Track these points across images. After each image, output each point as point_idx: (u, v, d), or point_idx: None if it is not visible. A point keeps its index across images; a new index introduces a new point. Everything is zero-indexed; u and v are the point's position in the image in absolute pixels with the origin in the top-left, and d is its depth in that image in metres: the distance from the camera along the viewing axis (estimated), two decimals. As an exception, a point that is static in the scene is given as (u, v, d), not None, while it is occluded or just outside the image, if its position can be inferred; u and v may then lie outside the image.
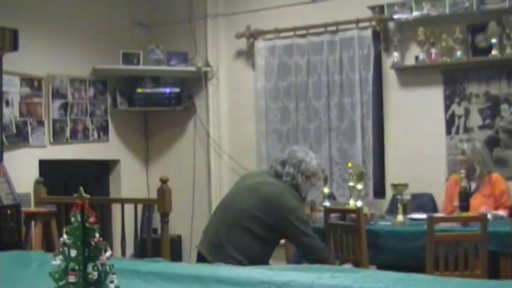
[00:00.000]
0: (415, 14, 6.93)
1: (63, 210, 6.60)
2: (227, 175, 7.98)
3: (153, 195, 6.89)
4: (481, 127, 6.80)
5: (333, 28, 7.40)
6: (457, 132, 6.90)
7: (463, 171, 5.76)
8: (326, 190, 6.15)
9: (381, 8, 7.13)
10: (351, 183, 5.75)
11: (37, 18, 7.14)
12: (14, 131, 6.87)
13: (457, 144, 6.21)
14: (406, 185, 5.71)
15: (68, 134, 7.50)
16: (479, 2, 6.62)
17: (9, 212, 6.03)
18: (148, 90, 8.12)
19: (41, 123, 7.20)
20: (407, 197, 5.79)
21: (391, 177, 6.89)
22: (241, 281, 2.90)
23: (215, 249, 4.72)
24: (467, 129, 6.85)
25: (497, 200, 5.87)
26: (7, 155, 6.49)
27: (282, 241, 5.73)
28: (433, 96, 6.99)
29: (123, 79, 8.16)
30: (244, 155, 7.90)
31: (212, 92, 8.17)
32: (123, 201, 7.02)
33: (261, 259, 4.51)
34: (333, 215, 5.56)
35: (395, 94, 7.23)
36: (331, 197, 6.49)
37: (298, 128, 7.61)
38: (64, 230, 2.21)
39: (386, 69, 7.24)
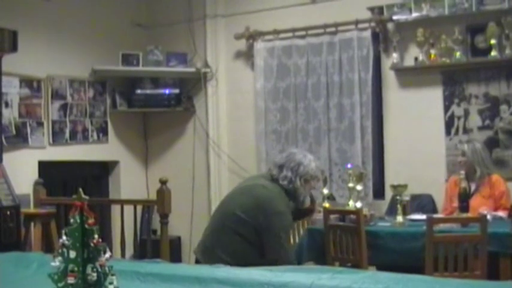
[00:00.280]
0: (415, 15, 6.93)
1: (63, 211, 6.59)
2: (227, 176, 7.98)
3: (153, 196, 6.90)
4: (481, 128, 6.79)
5: (332, 29, 7.40)
6: (457, 133, 6.90)
7: (462, 172, 5.75)
8: (325, 191, 6.15)
9: (380, 9, 7.13)
10: (351, 184, 5.76)
11: (36, 20, 7.14)
12: (14, 132, 6.87)
13: (457, 146, 6.22)
14: (405, 186, 5.72)
15: (67, 135, 7.50)
16: (479, 3, 6.62)
17: (8, 213, 6.03)
18: (148, 91, 8.13)
19: (40, 124, 7.20)
20: (406, 197, 5.80)
21: (391, 178, 6.90)
22: (240, 282, 2.90)
23: (207, 251, 4.71)
24: (466, 130, 6.85)
25: (497, 201, 5.87)
26: (6, 156, 6.49)
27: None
28: (433, 97, 6.99)
29: (122, 80, 8.16)
30: (243, 156, 7.90)
31: (211, 92, 8.17)
32: (122, 202, 7.01)
33: (250, 262, 4.45)
34: (332, 216, 5.57)
35: (394, 95, 7.23)
36: (330, 198, 6.49)
37: (297, 129, 7.61)
38: (63, 231, 2.21)
39: (385, 70, 7.24)
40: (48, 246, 6.28)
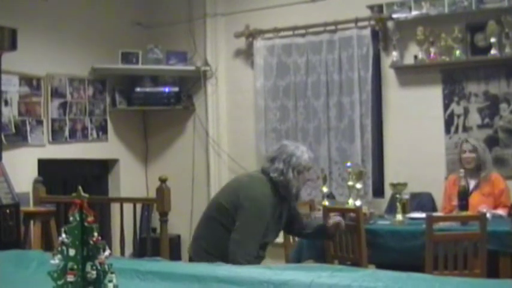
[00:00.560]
0: (414, 13, 6.93)
1: (62, 210, 6.59)
2: (226, 174, 7.97)
3: (152, 194, 6.90)
4: (480, 126, 6.79)
5: (332, 27, 7.40)
6: (456, 131, 6.90)
7: (462, 170, 5.76)
8: (325, 189, 6.15)
9: (380, 7, 7.13)
10: (350, 183, 5.76)
11: (36, 18, 7.13)
12: (13, 130, 6.87)
13: (462, 144, 6.16)
14: (405, 184, 5.72)
15: (66, 133, 7.49)
16: (478, 1, 6.62)
17: (8, 211, 6.02)
18: (147, 90, 8.12)
19: (39, 122, 7.20)
20: (406, 196, 5.81)
21: (390, 176, 6.89)
22: (240, 280, 2.90)
23: (194, 244, 4.68)
24: (466, 129, 6.84)
25: (496, 199, 5.88)
26: (6, 155, 6.49)
27: (281, 240, 5.76)
28: (432, 96, 6.99)
29: (122, 78, 8.16)
30: (243, 154, 7.90)
31: (211, 91, 8.17)
32: (122, 201, 7.01)
33: (225, 251, 4.41)
34: (332, 214, 5.55)
35: (394, 93, 7.23)
36: (330, 196, 6.50)
37: (297, 127, 7.61)
38: (63, 229, 2.20)
39: (385, 69, 7.24)
40: (47, 245, 6.28)
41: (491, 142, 6.64)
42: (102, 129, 7.97)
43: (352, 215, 5.36)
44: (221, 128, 8.15)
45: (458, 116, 6.90)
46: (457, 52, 6.78)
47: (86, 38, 7.65)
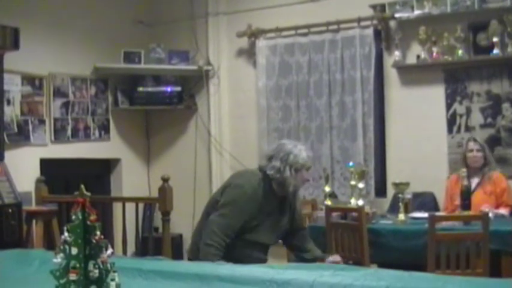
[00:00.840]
0: (417, 12, 6.92)
1: (65, 209, 6.59)
2: (228, 174, 7.90)
3: (154, 193, 6.91)
4: (483, 126, 6.79)
5: (335, 27, 7.40)
6: (459, 131, 6.89)
7: (463, 169, 5.76)
8: (327, 189, 6.14)
9: (383, 7, 7.13)
10: (353, 182, 5.75)
11: (38, 17, 7.14)
12: (15, 129, 6.87)
13: (469, 143, 6.14)
14: (407, 184, 5.70)
15: (69, 132, 7.50)
16: (481, 1, 6.62)
17: (10, 210, 6.04)
18: (150, 89, 8.13)
19: (42, 122, 7.20)
20: (408, 195, 5.80)
21: (393, 175, 6.89)
22: (242, 279, 2.90)
23: (192, 246, 4.68)
24: (468, 128, 6.84)
25: (498, 198, 5.88)
26: (8, 154, 6.49)
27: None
28: (435, 95, 6.99)
29: (124, 78, 8.16)
30: (245, 154, 7.89)
31: (213, 90, 8.17)
32: (124, 200, 7.01)
33: (232, 254, 4.40)
34: (334, 214, 5.56)
35: (396, 93, 7.22)
36: (332, 195, 6.48)
37: (299, 127, 7.60)
38: (65, 227, 2.20)
39: (387, 68, 7.23)
40: (50, 244, 6.28)
41: (494, 141, 6.63)
42: (104, 128, 7.98)
43: (355, 214, 5.36)
44: (223, 128, 8.15)
45: (461, 116, 6.89)
46: (460, 51, 6.77)
47: (88, 37, 7.66)
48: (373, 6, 7.18)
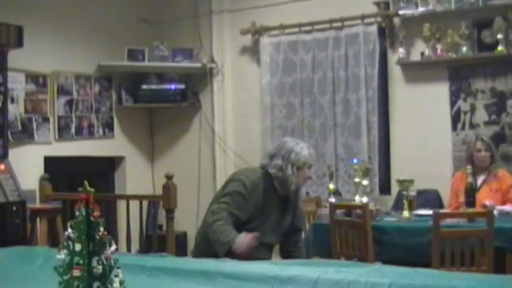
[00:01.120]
0: (421, 9, 6.91)
1: (69, 207, 6.59)
2: (232, 171, 7.90)
3: (158, 191, 6.91)
4: (487, 123, 6.77)
5: (338, 24, 7.39)
6: (463, 128, 6.88)
7: (468, 166, 5.75)
8: (331, 186, 6.14)
9: (387, 4, 7.12)
10: (357, 179, 5.74)
11: (42, 15, 7.14)
12: (19, 127, 6.88)
13: (476, 142, 6.12)
14: (411, 181, 5.71)
15: (73, 130, 7.50)
16: (485, -2, 6.61)
17: (14, 208, 6.04)
18: (154, 87, 8.13)
19: (46, 119, 7.20)
20: (413, 193, 5.79)
21: (397, 173, 6.88)
22: (246, 276, 2.89)
23: (195, 246, 4.67)
24: (473, 125, 6.83)
25: (504, 195, 5.87)
26: (12, 152, 6.49)
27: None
28: (439, 92, 6.98)
29: (128, 75, 8.16)
30: (249, 151, 7.88)
31: (217, 88, 8.16)
32: (128, 198, 7.03)
33: (234, 255, 4.29)
34: (338, 211, 5.56)
35: (400, 90, 7.21)
36: (336, 193, 6.48)
37: (303, 124, 7.60)
38: (69, 223, 2.20)
39: (391, 65, 7.23)
40: (54, 242, 6.28)
41: (498, 139, 6.61)
42: (108, 126, 7.98)
43: (359, 211, 5.35)
44: (227, 125, 8.15)
45: (465, 113, 6.88)
46: (464, 48, 6.76)
47: (92, 35, 7.65)
48: (377, 4, 7.17)
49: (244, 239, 4.27)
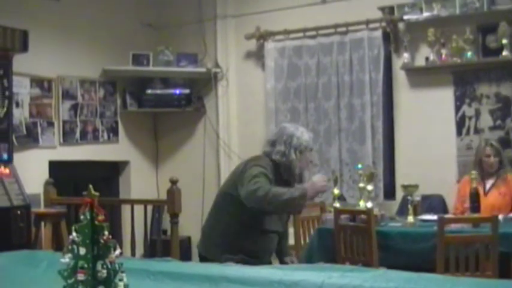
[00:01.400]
0: (425, 14, 6.91)
1: (73, 211, 6.58)
2: (237, 176, 7.95)
3: (163, 196, 6.91)
4: (492, 128, 6.76)
5: (343, 29, 7.39)
6: (468, 133, 6.87)
7: (473, 172, 5.75)
8: (336, 191, 6.12)
9: (391, 9, 7.12)
10: (361, 184, 5.73)
11: (47, 20, 7.15)
12: (24, 132, 6.89)
13: (486, 148, 6.10)
14: (416, 186, 5.70)
15: (77, 135, 7.52)
16: (490, 3, 6.60)
17: (19, 212, 6.04)
18: (158, 92, 8.14)
19: (51, 124, 7.22)
20: (417, 198, 5.78)
21: (401, 178, 6.88)
22: (250, 281, 2.89)
23: (203, 239, 4.66)
24: (477, 130, 6.82)
25: None
26: (17, 156, 6.50)
27: (292, 242, 5.74)
28: (444, 97, 6.97)
29: (132, 80, 8.17)
30: (253, 156, 7.87)
31: (222, 93, 8.17)
32: (132, 202, 7.02)
33: (240, 242, 4.42)
34: (343, 216, 5.54)
35: (405, 95, 7.21)
36: (341, 198, 6.47)
37: (307, 129, 7.54)
38: (73, 227, 2.20)
39: (396, 70, 7.22)
40: (58, 246, 6.27)
41: (503, 144, 6.58)
42: (113, 131, 7.99)
43: (363, 216, 5.34)
44: (232, 130, 8.15)
45: (470, 118, 6.87)
46: (469, 53, 6.75)
47: (96, 40, 7.67)
48: (382, 9, 7.17)
49: (313, 185, 4.40)
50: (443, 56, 6.88)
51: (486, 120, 6.79)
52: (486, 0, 6.60)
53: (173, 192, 6.41)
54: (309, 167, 4.93)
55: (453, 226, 5.13)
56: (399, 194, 6.81)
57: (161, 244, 6.74)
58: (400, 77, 7.22)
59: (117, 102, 8.05)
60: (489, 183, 5.98)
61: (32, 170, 6.79)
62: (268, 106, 7.80)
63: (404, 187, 5.78)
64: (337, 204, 5.90)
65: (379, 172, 7.11)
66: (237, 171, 4.54)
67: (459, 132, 6.92)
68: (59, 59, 7.29)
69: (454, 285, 2.63)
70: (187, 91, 8.17)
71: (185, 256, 7.40)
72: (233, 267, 3.26)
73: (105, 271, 2.16)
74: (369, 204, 5.59)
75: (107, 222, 2.19)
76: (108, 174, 8.25)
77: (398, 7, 7.07)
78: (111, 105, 7.98)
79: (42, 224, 6.45)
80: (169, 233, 6.79)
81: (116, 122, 8.03)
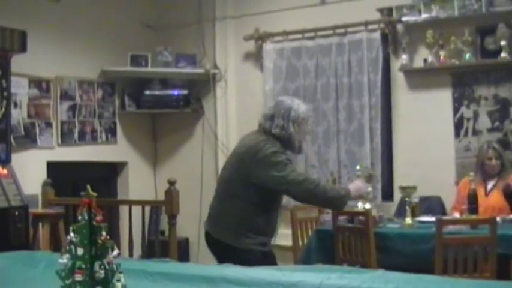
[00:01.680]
0: (424, 16, 6.90)
1: (71, 212, 6.59)
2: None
3: (161, 197, 6.91)
4: (490, 130, 6.76)
5: (342, 30, 7.39)
6: (466, 134, 6.87)
7: (471, 173, 5.78)
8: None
9: (390, 11, 7.11)
10: (359, 186, 5.73)
11: (46, 20, 7.15)
12: (22, 132, 6.89)
13: (488, 151, 6.11)
14: (414, 188, 5.71)
15: (76, 135, 7.51)
16: (488, 4, 6.59)
17: (17, 213, 6.03)
18: (157, 92, 8.13)
19: (49, 124, 7.21)
20: (415, 199, 5.79)
21: (400, 179, 6.86)
22: (249, 282, 2.88)
23: (214, 221, 4.70)
24: (476, 132, 6.82)
25: None
26: (15, 157, 6.49)
27: (290, 243, 5.74)
28: (442, 99, 6.97)
29: (131, 81, 8.17)
30: (252, 158, 7.87)
31: (220, 94, 8.16)
32: (130, 203, 7.01)
33: (256, 224, 4.52)
34: (341, 218, 5.56)
35: (403, 96, 7.21)
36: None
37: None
38: (71, 228, 2.20)
39: (394, 72, 7.22)
40: (56, 247, 6.27)
41: (502, 145, 6.58)
42: (111, 131, 7.98)
43: (361, 218, 5.35)
44: (230, 131, 8.14)
45: (468, 120, 6.87)
46: (467, 55, 6.75)
47: (95, 41, 7.66)
48: (380, 10, 7.16)
49: (357, 187, 4.73)
50: (441, 58, 6.88)
51: (484, 122, 6.79)
52: (485, 2, 6.59)
53: (171, 193, 6.41)
54: (306, 138, 5.07)
55: (451, 227, 5.14)
56: (397, 195, 6.81)
57: (159, 245, 6.74)
58: (398, 79, 7.22)
59: (116, 103, 8.05)
60: (490, 184, 6.00)
61: (30, 171, 6.79)
62: (266, 107, 7.78)
63: (403, 188, 5.79)
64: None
65: (377, 173, 7.11)
66: (247, 155, 4.56)
67: (457, 134, 6.91)
68: (57, 59, 7.28)
69: (452, 287, 2.63)
70: (185, 92, 8.17)
71: (183, 257, 7.41)
72: (231, 268, 3.26)
73: (103, 272, 2.17)
74: (367, 206, 5.60)
75: (104, 223, 2.20)
76: (106, 175, 8.25)
77: (397, 9, 7.06)
78: (110, 106, 7.98)
79: (40, 224, 6.44)
80: (167, 233, 6.80)
81: (114, 123, 8.03)
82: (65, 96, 7.40)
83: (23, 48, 6.32)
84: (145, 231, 6.86)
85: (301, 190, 4.44)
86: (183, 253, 7.67)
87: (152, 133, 8.60)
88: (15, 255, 3.79)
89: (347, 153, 7.37)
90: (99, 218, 2.17)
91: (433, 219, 5.25)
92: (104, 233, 2.17)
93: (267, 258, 4.43)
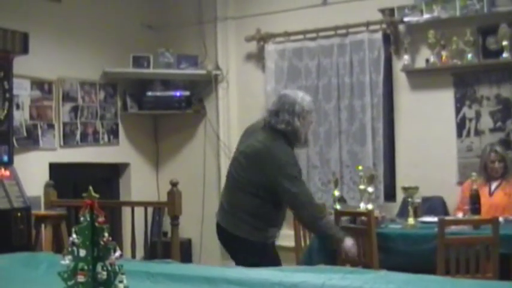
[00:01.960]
0: (426, 16, 6.90)
1: (73, 213, 6.58)
2: (237, 178, 7.94)
3: (163, 198, 6.91)
4: (492, 130, 6.75)
5: (343, 31, 7.38)
6: (468, 135, 6.86)
7: (474, 173, 5.77)
8: (336, 193, 6.13)
9: (391, 11, 7.10)
10: (362, 186, 5.74)
11: (47, 22, 7.16)
12: (25, 134, 6.89)
13: (491, 153, 6.12)
14: (416, 188, 5.70)
15: (78, 137, 7.52)
16: (490, 5, 6.59)
17: (19, 214, 6.04)
18: (158, 94, 8.13)
19: (51, 126, 7.22)
20: (418, 200, 5.78)
21: (402, 180, 6.87)
22: (250, 282, 2.89)
23: (227, 215, 4.79)
24: (478, 132, 6.81)
25: None
26: (17, 158, 6.50)
27: (292, 244, 5.73)
28: (444, 99, 6.96)
29: (133, 82, 8.17)
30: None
31: (222, 95, 8.16)
32: (133, 204, 7.02)
33: (270, 218, 4.67)
34: (343, 218, 5.55)
35: (405, 97, 7.20)
36: (341, 200, 6.47)
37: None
38: (73, 229, 2.20)
39: (396, 72, 7.21)
40: (58, 248, 6.27)
41: (504, 146, 6.58)
42: (113, 133, 7.98)
43: (364, 218, 5.35)
44: (232, 132, 8.13)
45: (470, 120, 6.86)
46: (469, 55, 6.74)
47: (97, 42, 7.67)
48: (382, 10, 7.16)
49: (350, 244, 4.99)
50: (443, 58, 6.87)
51: (486, 122, 6.78)
52: (486, 2, 6.58)
53: (173, 194, 6.41)
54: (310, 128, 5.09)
55: (453, 228, 5.13)
56: (399, 195, 6.81)
57: (161, 246, 6.74)
58: (400, 79, 7.21)
59: (118, 104, 8.05)
60: (494, 184, 6.02)
61: (32, 172, 6.79)
62: (270, 102, 7.78)
63: (405, 189, 5.79)
64: (337, 206, 5.91)
65: (380, 174, 7.10)
66: (257, 158, 4.67)
67: (459, 134, 6.91)
68: (59, 61, 7.29)
69: (455, 287, 2.63)
70: (187, 93, 8.17)
71: (185, 258, 7.40)
72: (233, 269, 3.27)
73: (105, 273, 2.17)
74: (370, 206, 5.60)
75: (107, 224, 2.20)
76: (109, 176, 8.25)
77: (399, 9, 7.05)
78: (112, 107, 7.98)
79: (43, 226, 6.44)
80: (169, 235, 6.79)
81: (116, 124, 8.03)
82: (67, 97, 7.41)
83: (24, 50, 6.33)
84: (148, 232, 6.86)
85: (309, 212, 4.66)
86: (186, 254, 7.66)
87: (154, 134, 8.60)
88: (18, 256, 3.80)
89: (349, 153, 7.37)
90: (101, 219, 2.17)
91: (435, 219, 5.24)
92: (106, 234, 2.18)
93: (275, 248, 4.76)
